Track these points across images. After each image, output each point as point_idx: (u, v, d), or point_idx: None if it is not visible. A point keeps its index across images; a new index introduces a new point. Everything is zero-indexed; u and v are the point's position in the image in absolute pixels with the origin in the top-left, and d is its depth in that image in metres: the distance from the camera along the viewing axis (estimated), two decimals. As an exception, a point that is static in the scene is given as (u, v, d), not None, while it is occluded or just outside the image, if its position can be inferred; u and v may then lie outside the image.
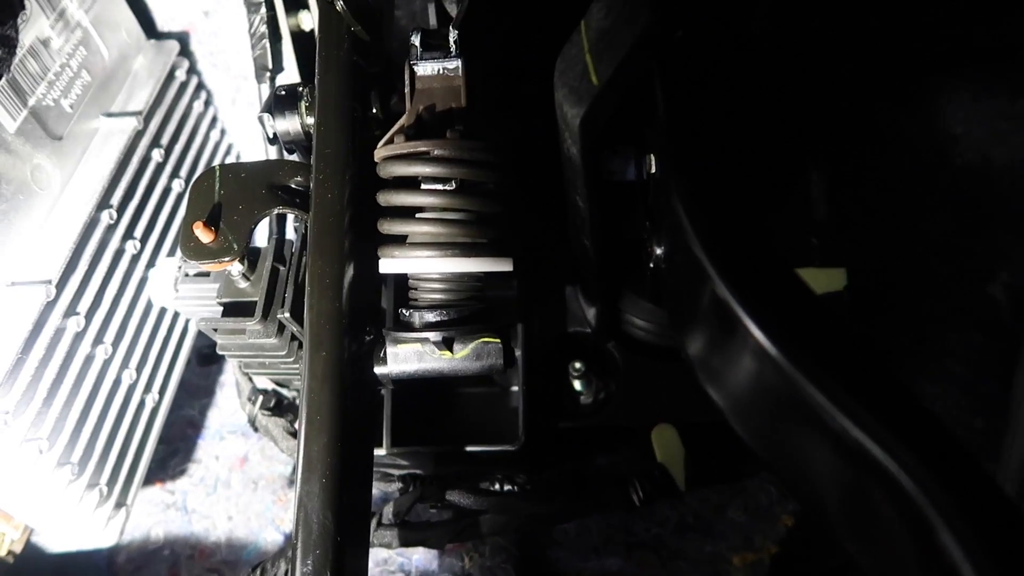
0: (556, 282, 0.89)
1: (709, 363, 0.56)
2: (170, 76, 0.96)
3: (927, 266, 0.61)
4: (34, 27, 0.77)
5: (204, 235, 0.68)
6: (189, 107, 1.00)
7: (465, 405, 0.88)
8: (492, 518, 0.79)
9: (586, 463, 0.86)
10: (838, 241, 0.70)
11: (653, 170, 0.65)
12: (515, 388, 0.86)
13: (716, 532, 0.83)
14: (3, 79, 0.70)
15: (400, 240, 0.66)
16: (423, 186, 0.65)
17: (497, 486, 0.81)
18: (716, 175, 0.56)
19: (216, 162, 1.07)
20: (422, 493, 0.81)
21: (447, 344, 0.67)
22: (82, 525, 0.78)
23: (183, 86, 0.99)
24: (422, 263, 0.65)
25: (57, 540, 0.85)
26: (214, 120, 1.07)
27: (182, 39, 1.01)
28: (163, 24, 1.02)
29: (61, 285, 0.74)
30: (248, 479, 0.96)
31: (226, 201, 0.71)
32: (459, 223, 0.65)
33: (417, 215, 0.66)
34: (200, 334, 1.06)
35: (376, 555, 0.87)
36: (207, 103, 1.05)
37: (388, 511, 0.81)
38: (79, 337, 0.76)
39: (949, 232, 0.60)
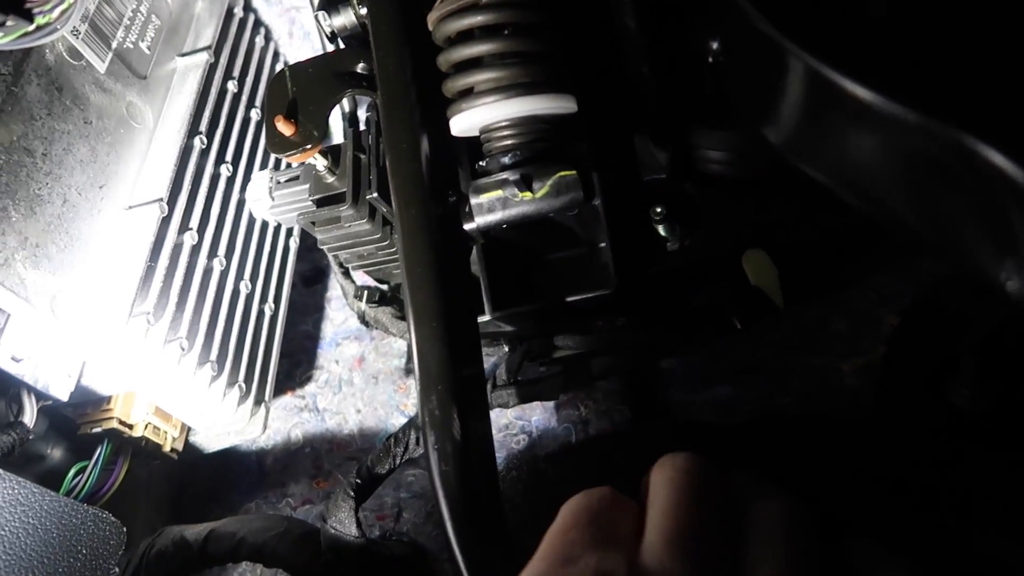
0: (624, 134, 0.90)
1: (804, 140, 0.55)
2: (229, 14, 1.02)
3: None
4: (103, -24, 0.83)
5: (285, 128, 0.73)
6: (251, 42, 1.06)
7: (557, 268, 0.90)
8: (600, 360, 0.82)
9: (682, 301, 0.87)
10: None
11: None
12: (602, 244, 0.89)
13: (821, 345, 0.83)
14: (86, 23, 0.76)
15: (465, 95, 0.69)
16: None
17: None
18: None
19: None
20: (529, 349, 0.85)
21: (526, 183, 0.69)
22: (229, 420, 0.87)
23: (242, 23, 1.05)
24: (488, 110, 0.68)
25: (210, 439, 0.93)
26: (276, 54, 1.12)
27: (234, -21, 1.06)
28: (214, -31, 1.07)
29: (171, 203, 0.81)
30: (368, 375, 1.03)
31: (300, 96, 0.75)
32: (518, 64, 0.67)
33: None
34: (301, 258, 1.13)
35: (497, 422, 0.92)
36: (267, 38, 1.11)
37: (500, 372, 0.86)
38: (195, 250, 0.83)
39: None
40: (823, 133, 0.53)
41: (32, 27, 0.60)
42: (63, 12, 0.58)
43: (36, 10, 0.55)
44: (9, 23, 0.50)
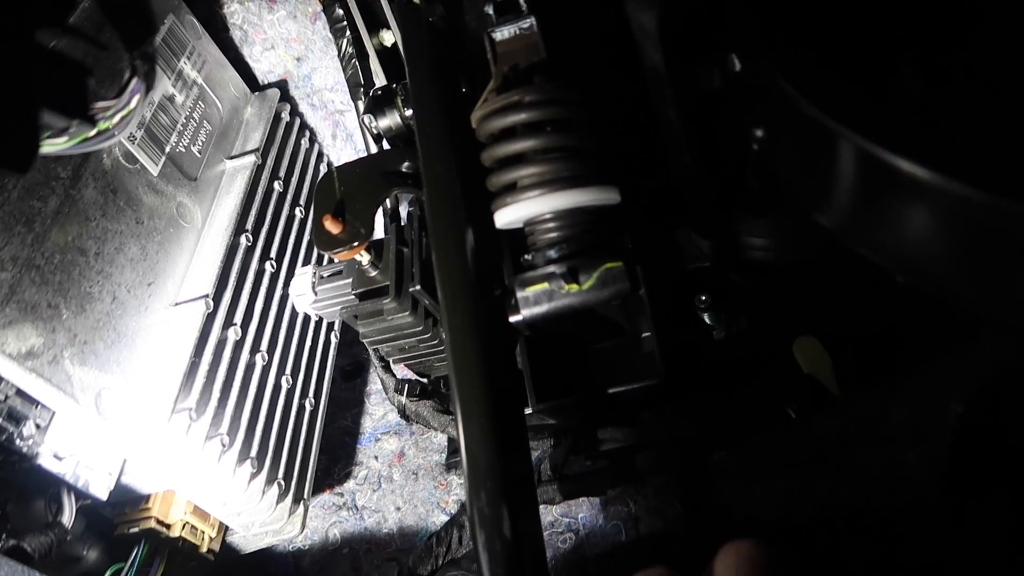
0: (667, 224, 0.90)
1: (860, 223, 0.54)
2: (276, 119, 1.06)
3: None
4: (160, 86, 0.87)
5: (333, 226, 0.74)
6: (297, 144, 1.09)
7: (601, 359, 0.89)
8: (648, 455, 0.80)
9: (732, 391, 0.85)
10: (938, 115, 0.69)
11: (737, 68, 0.66)
12: (646, 334, 0.87)
13: (882, 435, 0.80)
14: (146, 118, 0.79)
15: (509, 190, 0.70)
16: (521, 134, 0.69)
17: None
18: (805, 47, 0.57)
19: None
20: (575, 444, 0.82)
21: (572, 275, 0.69)
22: (268, 519, 0.84)
23: (288, 126, 1.08)
24: (532, 204, 0.68)
25: (247, 539, 0.91)
26: (320, 155, 1.16)
27: (281, 87, 1.11)
28: (263, 77, 1.12)
29: (216, 300, 0.82)
30: (408, 471, 1.01)
31: (347, 195, 0.77)
32: (560, 159, 0.67)
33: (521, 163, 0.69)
34: (340, 353, 1.13)
35: (543, 519, 0.88)
36: (311, 140, 1.14)
37: (545, 467, 0.83)
38: (239, 346, 0.84)
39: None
40: (880, 215, 0.52)
41: (93, 132, 0.63)
42: (123, 119, 0.61)
43: (98, 116, 0.57)
44: (73, 128, 0.52)
